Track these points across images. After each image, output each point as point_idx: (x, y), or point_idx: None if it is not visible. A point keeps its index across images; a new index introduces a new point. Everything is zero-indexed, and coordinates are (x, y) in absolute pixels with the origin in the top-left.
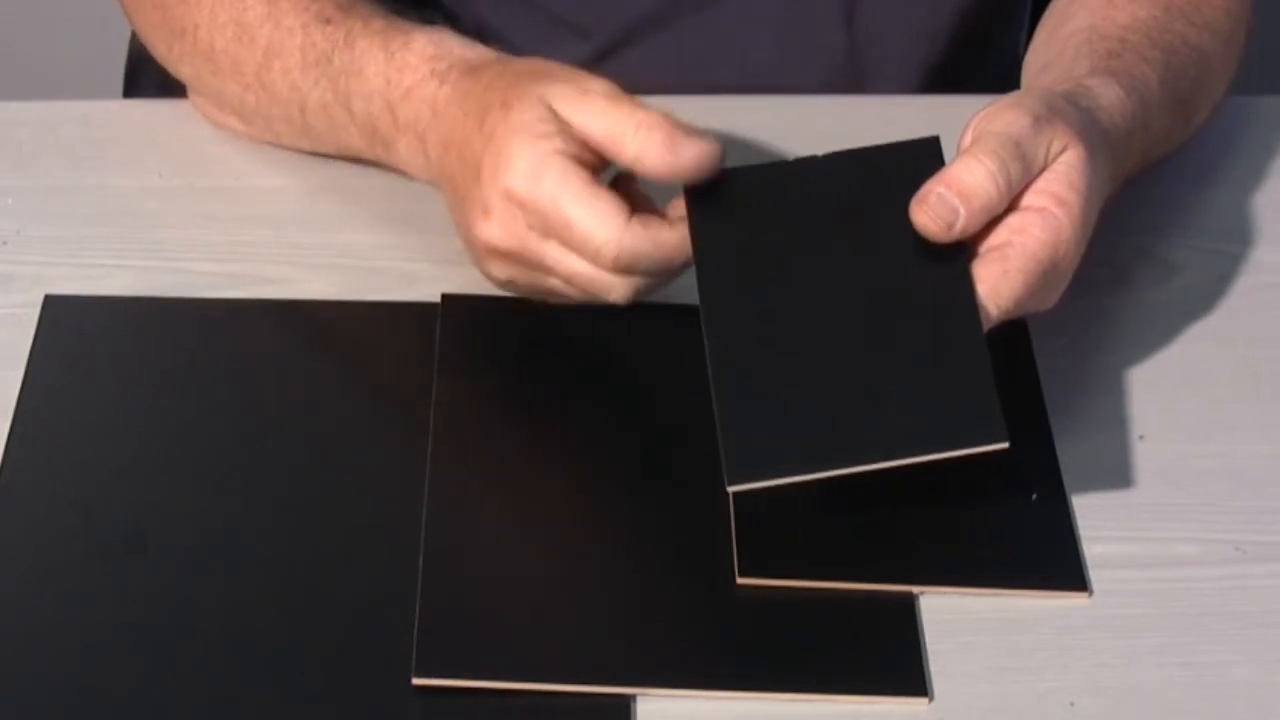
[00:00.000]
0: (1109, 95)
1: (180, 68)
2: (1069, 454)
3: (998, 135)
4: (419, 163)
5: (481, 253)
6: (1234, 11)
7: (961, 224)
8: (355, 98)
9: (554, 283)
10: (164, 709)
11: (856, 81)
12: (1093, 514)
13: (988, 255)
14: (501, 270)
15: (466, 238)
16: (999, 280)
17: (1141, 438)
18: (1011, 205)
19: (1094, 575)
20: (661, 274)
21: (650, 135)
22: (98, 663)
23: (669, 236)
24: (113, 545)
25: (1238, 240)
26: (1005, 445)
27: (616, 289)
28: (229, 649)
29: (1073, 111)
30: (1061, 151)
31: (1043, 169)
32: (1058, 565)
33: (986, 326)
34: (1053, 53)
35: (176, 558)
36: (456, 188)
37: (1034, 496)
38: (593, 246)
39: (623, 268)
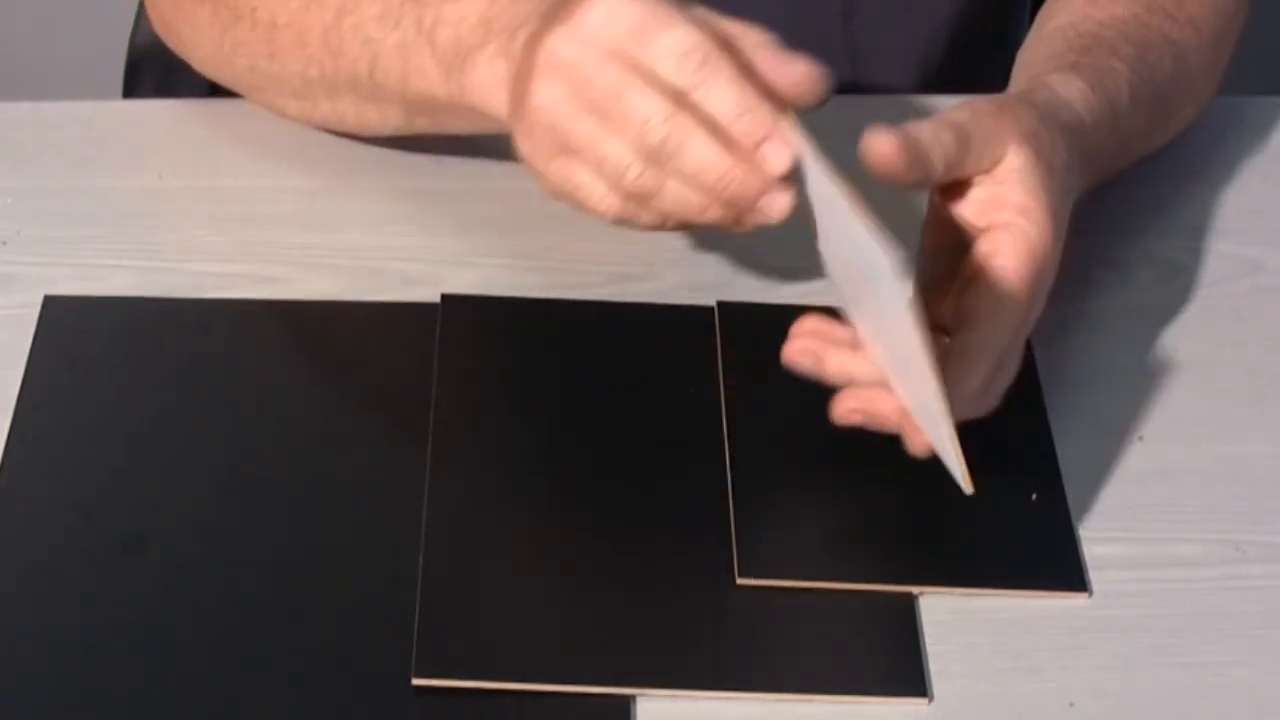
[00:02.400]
0: (1069, 89)
1: (234, 61)
2: (1069, 454)
3: (939, 117)
4: (499, 70)
5: (539, 65)
6: (1222, 7)
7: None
8: (443, 26)
9: (584, 128)
10: (164, 709)
11: (857, 81)
12: (1092, 514)
13: (976, 279)
14: (547, 88)
15: (524, 61)
16: (1007, 283)
17: (1141, 438)
18: (974, 228)
19: (1094, 576)
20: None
21: (774, 40)
22: (97, 663)
23: (753, 89)
24: (112, 545)
25: (1238, 241)
26: (895, 253)
27: (655, 131)
28: (228, 649)
29: (1025, 111)
30: (1002, 158)
31: (988, 168)
32: (1057, 566)
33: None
34: (1032, 51)
35: (176, 558)
36: (532, 29)
37: (1034, 497)
38: (672, 39)
39: (695, 81)
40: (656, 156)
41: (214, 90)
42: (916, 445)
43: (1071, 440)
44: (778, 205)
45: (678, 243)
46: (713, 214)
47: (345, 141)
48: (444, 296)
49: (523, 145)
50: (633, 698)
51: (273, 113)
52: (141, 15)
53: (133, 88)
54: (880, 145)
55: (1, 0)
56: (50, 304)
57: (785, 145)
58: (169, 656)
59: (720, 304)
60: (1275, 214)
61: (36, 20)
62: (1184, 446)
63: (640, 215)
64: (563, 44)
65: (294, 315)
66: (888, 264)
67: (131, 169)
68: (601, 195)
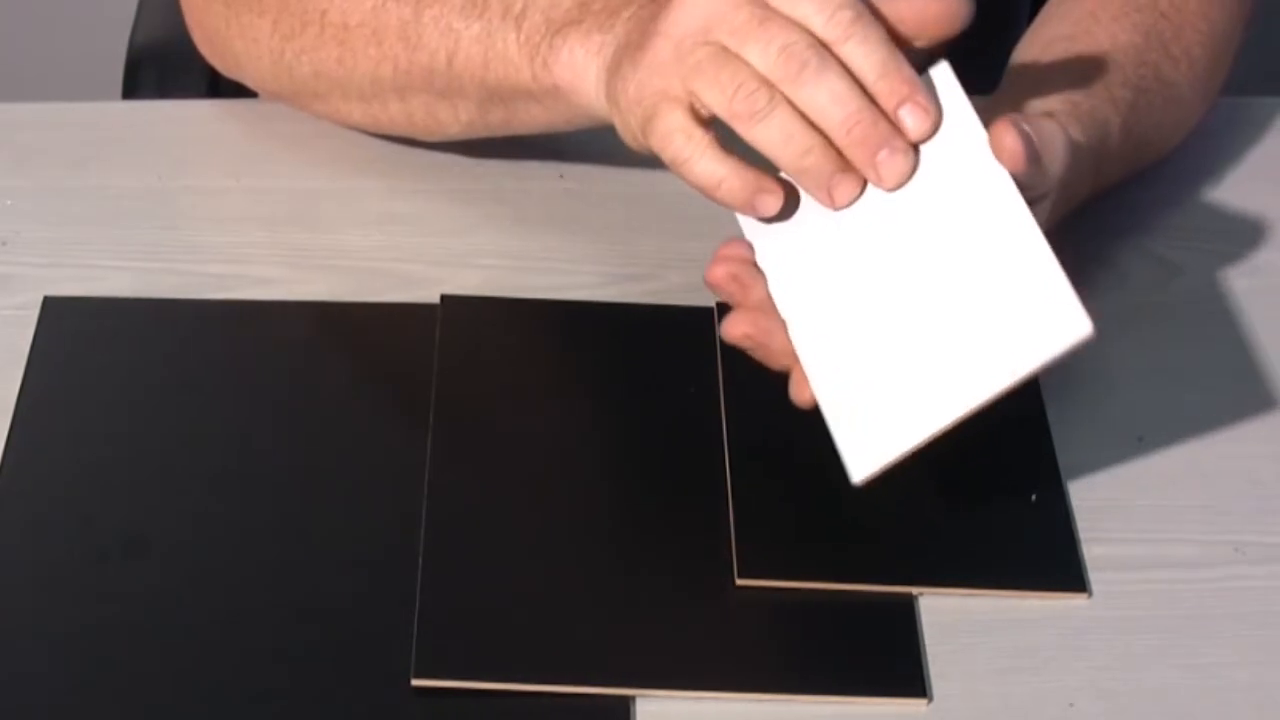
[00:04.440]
0: (1076, 135)
1: (296, 69)
2: (1068, 455)
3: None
4: (594, 42)
5: (677, 2)
6: (1220, 31)
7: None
8: (532, 10)
9: (709, 51)
10: (163, 711)
11: None
12: (1092, 515)
13: None
14: (680, 21)
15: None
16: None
17: (1141, 439)
18: None
19: (1093, 576)
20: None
21: None
22: (96, 664)
23: (900, 52)
24: (111, 546)
25: (1238, 241)
26: (1090, 332)
27: (796, 56)
28: (228, 650)
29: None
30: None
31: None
32: (1057, 566)
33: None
34: (1030, 55)
35: (175, 559)
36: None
37: (1033, 497)
38: None
39: (845, 35)
40: (792, 79)
41: (213, 91)
42: (801, 395)
43: (1071, 441)
44: (898, 164)
45: (677, 244)
46: (811, 159)
47: (345, 142)
48: (443, 297)
49: (630, 81)
50: (632, 698)
51: (334, 121)
52: (141, 16)
53: (132, 88)
54: (1009, 141)
55: (1, 2)
56: (50, 305)
57: (927, 113)
58: (168, 657)
59: (720, 305)
60: (1274, 215)
61: (36, 21)
62: (1183, 447)
63: (701, 157)
64: None
65: (293, 316)
66: (1077, 326)
67: (131, 170)
68: (678, 124)
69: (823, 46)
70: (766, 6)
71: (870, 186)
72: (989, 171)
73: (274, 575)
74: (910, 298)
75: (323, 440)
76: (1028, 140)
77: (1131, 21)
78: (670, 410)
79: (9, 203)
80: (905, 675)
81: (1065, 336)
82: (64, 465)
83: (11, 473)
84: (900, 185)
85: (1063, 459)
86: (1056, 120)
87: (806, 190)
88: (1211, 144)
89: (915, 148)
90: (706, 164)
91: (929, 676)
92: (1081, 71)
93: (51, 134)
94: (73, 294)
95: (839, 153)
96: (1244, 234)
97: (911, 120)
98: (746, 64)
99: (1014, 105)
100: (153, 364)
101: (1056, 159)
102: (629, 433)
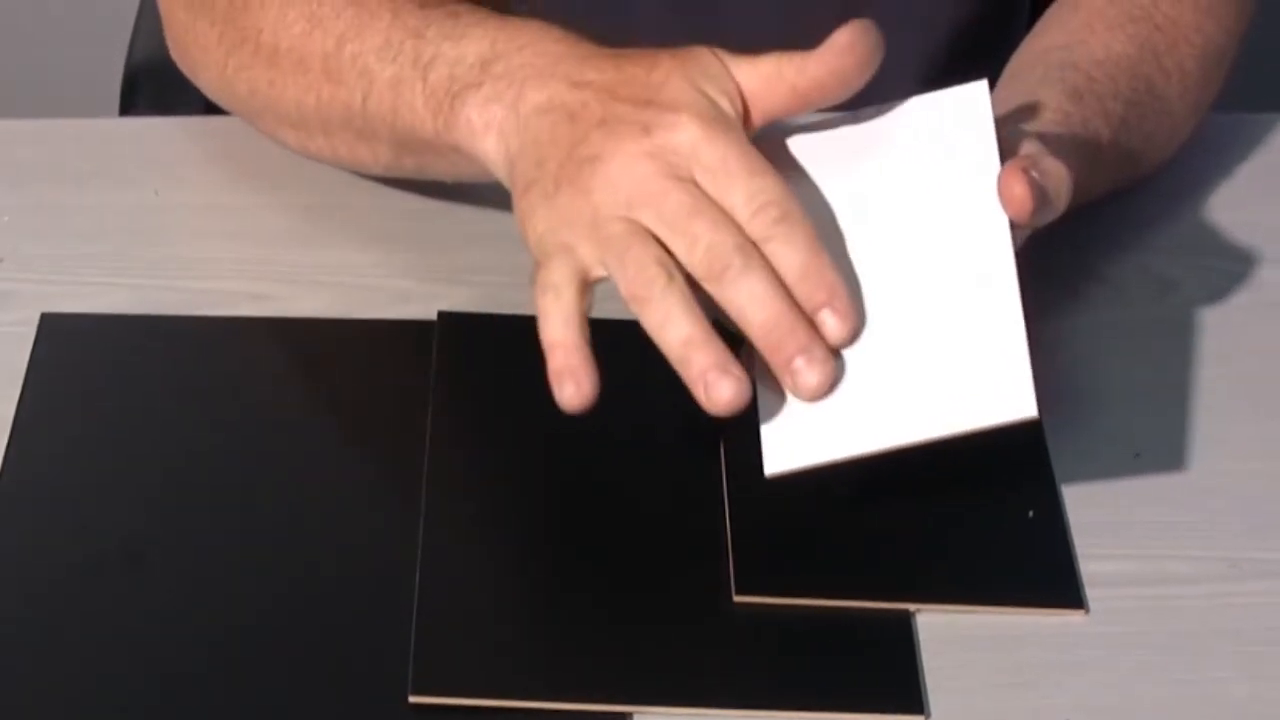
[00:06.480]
0: (1063, 148)
1: (235, 85)
2: (1065, 471)
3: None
4: (492, 114)
5: (608, 163)
6: (1214, 45)
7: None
8: (440, 63)
9: (623, 230)
10: None
11: None
12: (1089, 531)
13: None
14: (608, 191)
15: (584, 148)
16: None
17: (1138, 455)
18: None
19: (1090, 593)
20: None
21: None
22: (93, 680)
23: (826, 254)
24: (109, 563)
25: (1235, 257)
26: (1034, 415)
27: (720, 257)
28: (224, 667)
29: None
30: None
31: None
32: (1054, 583)
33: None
34: (1024, 62)
35: (172, 575)
36: (586, 105)
37: (1030, 514)
38: (757, 185)
39: (769, 234)
40: (715, 277)
41: (210, 108)
42: (748, 365)
43: (1068, 457)
44: (814, 374)
45: None
46: (688, 350)
47: None
48: (440, 314)
49: (539, 217)
50: (630, 714)
51: (278, 144)
52: (138, 33)
53: (129, 105)
54: (1018, 190)
55: None
56: (47, 321)
57: (845, 320)
58: (164, 675)
59: (714, 322)
60: (1271, 230)
61: (33, 37)
62: (1180, 463)
63: (547, 320)
64: (640, 158)
65: (290, 333)
66: (1023, 406)
67: (128, 186)
68: (554, 281)
69: (748, 244)
70: (696, 194)
71: (866, 183)
72: (989, 215)
73: (270, 591)
74: (871, 312)
75: (318, 457)
76: (1036, 191)
77: (1126, 33)
78: (667, 427)
79: (6, 219)
80: (902, 692)
81: (1008, 411)
82: (62, 480)
83: (9, 488)
84: (815, 397)
85: (1060, 475)
86: (1066, 162)
87: (684, 380)
88: (1210, 160)
89: (836, 353)
90: (551, 327)
91: (926, 693)
92: (1074, 82)
93: (49, 150)
94: (70, 310)
95: (724, 348)
96: (1242, 250)
97: (830, 325)
98: (657, 245)
99: (1007, 108)
100: (150, 380)
101: (1058, 205)
102: (626, 449)
